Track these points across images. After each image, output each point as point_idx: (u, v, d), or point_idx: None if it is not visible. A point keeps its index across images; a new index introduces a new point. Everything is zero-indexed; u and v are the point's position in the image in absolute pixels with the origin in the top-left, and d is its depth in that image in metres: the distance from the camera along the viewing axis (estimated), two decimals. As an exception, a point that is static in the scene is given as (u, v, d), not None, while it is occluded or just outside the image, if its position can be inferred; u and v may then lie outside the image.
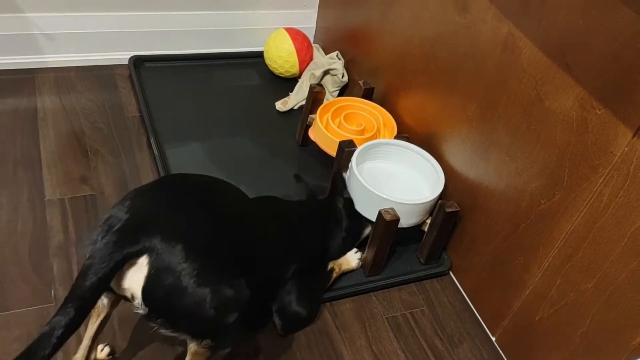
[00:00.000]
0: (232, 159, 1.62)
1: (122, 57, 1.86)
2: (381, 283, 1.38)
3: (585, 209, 1.04)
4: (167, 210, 0.92)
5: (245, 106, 1.83)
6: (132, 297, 0.87)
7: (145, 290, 0.85)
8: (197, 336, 0.93)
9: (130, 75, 1.82)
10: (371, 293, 1.37)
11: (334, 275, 1.33)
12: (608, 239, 1.00)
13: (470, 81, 1.30)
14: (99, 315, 1.01)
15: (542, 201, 1.13)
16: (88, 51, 1.83)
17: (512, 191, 1.21)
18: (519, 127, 1.17)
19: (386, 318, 1.32)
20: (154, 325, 0.90)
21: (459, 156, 1.38)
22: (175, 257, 0.85)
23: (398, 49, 1.59)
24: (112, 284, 0.86)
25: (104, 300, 0.98)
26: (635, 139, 0.93)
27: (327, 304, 1.32)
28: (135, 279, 0.86)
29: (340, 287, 1.35)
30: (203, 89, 1.86)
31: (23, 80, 1.73)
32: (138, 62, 1.85)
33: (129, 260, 0.85)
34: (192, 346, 0.95)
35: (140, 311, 0.87)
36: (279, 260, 1.18)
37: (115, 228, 0.86)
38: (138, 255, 0.85)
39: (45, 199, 1.40)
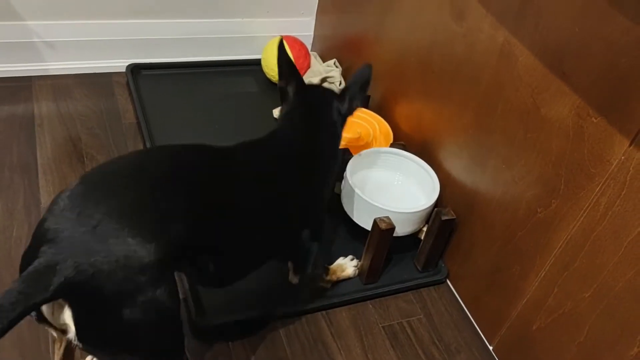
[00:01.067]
0: (229, 166, 1.62)
1: (119, 64, 1.86)
2: (378, 291, 1.37)
3: (582, 218, 1.04)
4: (85, 235, 0.77)
5: (242, 114, 1.83)
6: (69, 330, 0.80)
7: (79, 332, 0.79)
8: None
9: (127, 83, 1.82)
10: (368, 301, 1.36)
11: (328, 278, 1.33)
12: (605, 248, 1.00)
13: (467, 89, 1.30)
14: (61, 341, 0.94)
15: (539, 209, 1.13)
16: (86, 59, 1.83)
17: (509, 199, 1.21)
18: (515, 134, 1.17)
19: (383, 327, 1.31)
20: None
21: (456, 164, 1.38)
22: (98, 291, 0.76)
23: (395, 57, 1.59)
24: (48, 318, 0.80)
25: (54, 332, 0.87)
26: (631, 147, 0.93)
27: (323, 312, 1.31)
28: (65, 318, 0.79)
29: (337, 294, 1.34)
30: (200, 96, 1.85)
31: (21, 88, 1.73)
32: (135, 69, 1.85)
33: (45, 303, 0.76)
34: None
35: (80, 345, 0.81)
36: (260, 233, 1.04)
37: (27, 271, 0.75)
38: (54, 299, 0.76)
39: (41, 205, 1.39)
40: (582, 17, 0.99)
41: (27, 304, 0.73)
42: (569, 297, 1.08)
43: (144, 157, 0.96)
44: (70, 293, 0.76)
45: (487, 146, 1.25)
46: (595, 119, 0.99)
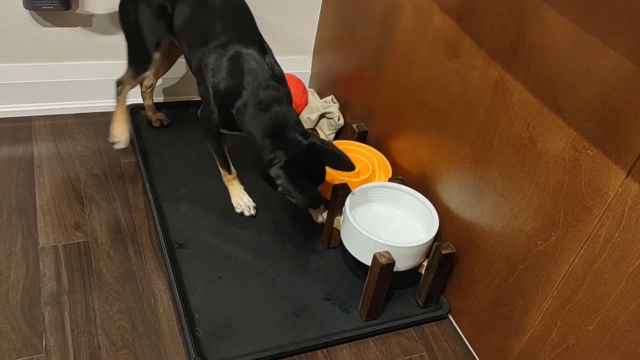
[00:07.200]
0: (228, 203, 1.62)
1: (118, 104, 1.88)
2: (379, 327, 1.35)
3: (582, 250, 1.03)
4: None
5: (242, 151, 1.83)
6: None
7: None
8: None
9: (126, 122, 1.83)
10: (369, 338, 1.34)
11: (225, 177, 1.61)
12: (607, 280, 0.99)
13: (463, 123, 1.31)
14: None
15: (539, 242, 1.13)
16: (85, 98, 1.85)
17: (509, 232, 1.20)
18: (512, 168, 1.17)
19: (385, 364, 1.30)
20: None
21: (455, 197, 1.38)
22: None
23: (391, 93, 1.61)
24: None
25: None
26: (628, 179, 0.93)
27: (324, 349, 1.30)
28: None
29: (337, 332, 1.32)
30: (199, 135, 1.86)
31: (19, 128, 1.74)
32: (135, 109, 1.87)
33: None
34: None
35: None
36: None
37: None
38: None
39: (39, 247, 1.39)
40: (574, 52, 1.00)
41: None
42: (572, 331, 1.07)
43: None
44: None
45: (485, 180, 1.26)
46: (591, 151, 0.99)
